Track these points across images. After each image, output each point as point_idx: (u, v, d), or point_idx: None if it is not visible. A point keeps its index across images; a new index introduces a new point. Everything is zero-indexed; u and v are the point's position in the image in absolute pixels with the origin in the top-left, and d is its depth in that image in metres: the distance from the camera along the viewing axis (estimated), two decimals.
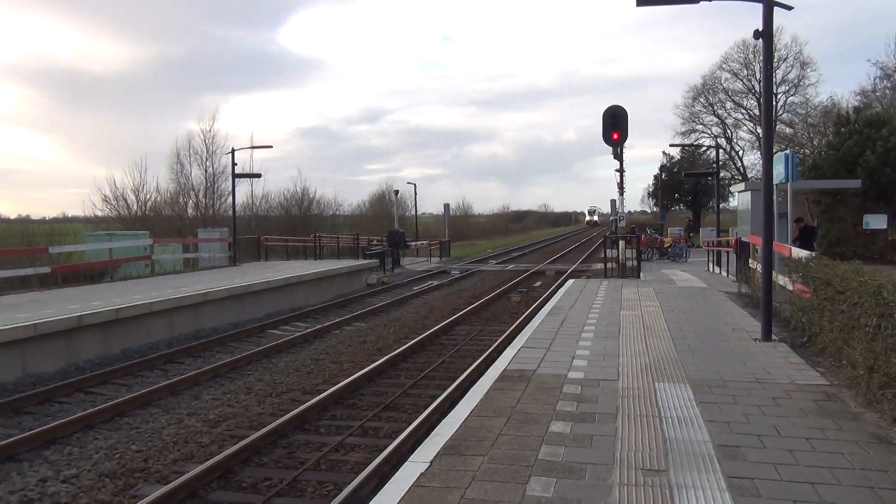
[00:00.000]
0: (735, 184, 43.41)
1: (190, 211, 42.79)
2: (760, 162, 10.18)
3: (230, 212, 29.81)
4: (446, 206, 45.37)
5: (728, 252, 19.58)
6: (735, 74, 55.53)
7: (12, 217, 53.99)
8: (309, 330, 14.76)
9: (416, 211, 52.16)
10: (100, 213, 39.31)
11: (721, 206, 35.97)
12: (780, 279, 11.41)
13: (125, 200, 39.91)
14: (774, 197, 13.33)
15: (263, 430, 7.63)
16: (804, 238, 17.70)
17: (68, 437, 8.03)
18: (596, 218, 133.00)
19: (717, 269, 21.23)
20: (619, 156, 20.38)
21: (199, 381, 10.52)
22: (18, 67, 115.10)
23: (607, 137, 18.36)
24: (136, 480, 6.69)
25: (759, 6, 8.97)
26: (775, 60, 49.86)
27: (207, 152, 43.75)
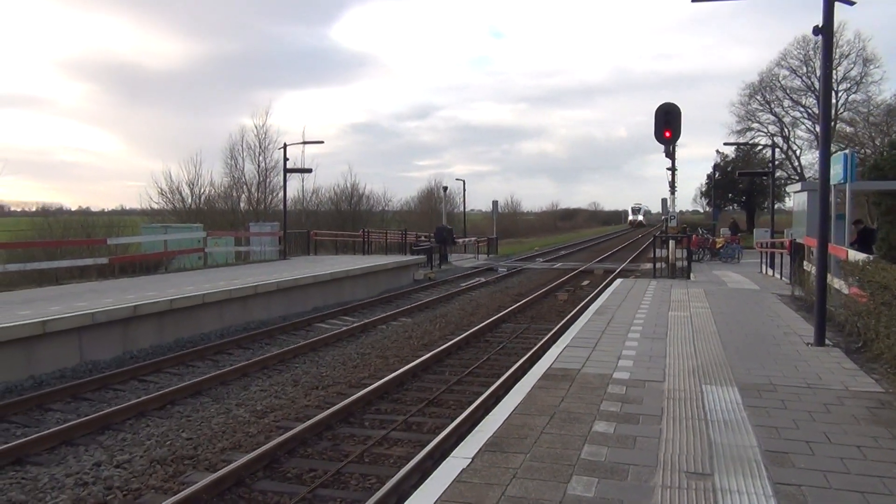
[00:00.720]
0: (791, 184, 42.40)
1: (242, 205, 43.58)
2: (818, 162, 9.92)
3: (281, 206, 30.29)
4: (494, 203, 45.32)
5: (782, 254, 19.13)
6: (794, 71, 54.19)
7: (73, 209, 55.58)
8: (355, 324, 14.91)
9: (464, 207, 52.25)
10: (156, 206, 40.27)
11: (776, 206, 35.17)
12: (836, 282, 11.11)
13: (180, 194, 40.83)
14: (832, 198, 12.98)
15: (309, 422, 7.75)
16: (862, 241, 17.17)
17: (122, 423, 8.28)
18: (641, 217, 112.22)
19: (770, 272, 20.76)
20: (671, 154, 20.08)
21: (247, 373, 10.73)
22: (82, 63, 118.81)
23: (659, 136, 18.06)
24: (186, 467, 6.87)
25: (820, 0, 8.73)
26: (836, 57, 48.63)
27: (260, 147, 44.49)
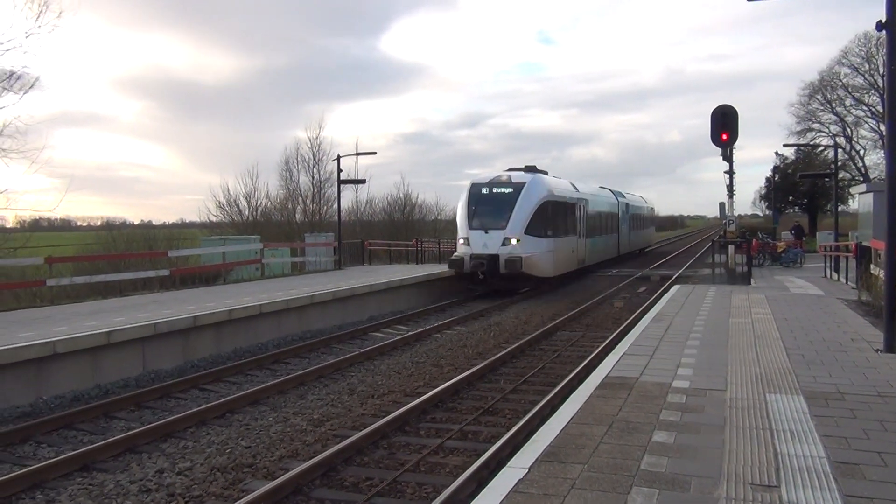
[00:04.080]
0: (855, 185, 41.06)
1: (298, 216, 44.33)
2: (884, 161, 9.57)
3: (336, 217, 30.64)
4: None
5: (847, 258, 18.53)
6: (856, 69, 52.51)
7: (136, 222, 57.44)
8: (410, 333, 14.95)
9: None
10: (214, 219, 41.32)
11: (840, 208, 34.07)
12: None
13: (238, 206, 41.82)
14: None
15: (365, 431, 7.79)
16: None
17: (184, 431, 8.45)
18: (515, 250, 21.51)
19: (835, 276, 20.12)
20: (728, 157, 19.62)
21: (304, 381, 10.85)
22: (139, 81, 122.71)
23: (716, 138, 17.69)
24: (245, 475, 6.97)
25: None
26: None
27: (314, 159, 45.30)
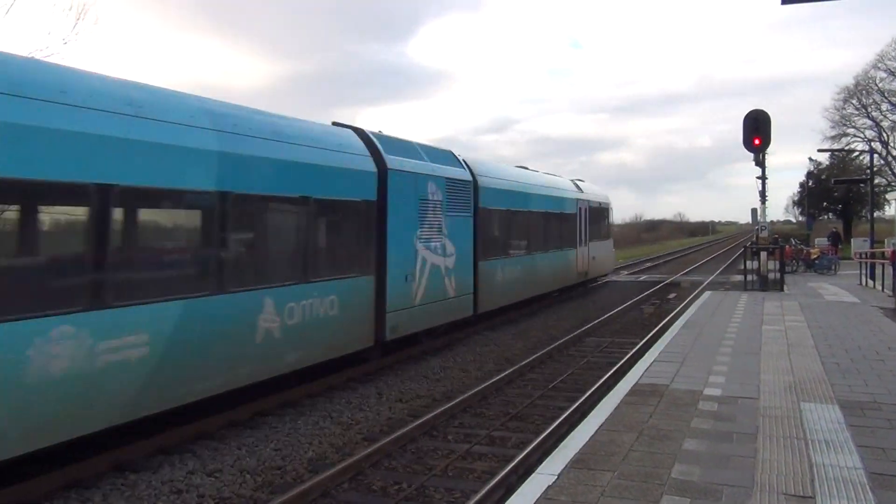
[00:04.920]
0: (891, 191, 40.29)
1: None
2: None
3: None
4: None
5: (883, 264, 18.20)
6: (892, 73, 51.60)
7: None
8: (438, 339, 14.92)
9: None
10: None
11: (875, 214, 33.47)
12: None
13: None
14: None
15: (393, 435, 7.80)
16: None
17: (214, 432, 8.51)
18: None
19: (870, 283, 19.75)
20: (760, 162, 19.38)
21: (333, 385, 10.88)
22: (177, 88, 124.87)
23: (748, 143, 17.51)
24: (274, 477, 7.01)
25: None
26: None
27: None
